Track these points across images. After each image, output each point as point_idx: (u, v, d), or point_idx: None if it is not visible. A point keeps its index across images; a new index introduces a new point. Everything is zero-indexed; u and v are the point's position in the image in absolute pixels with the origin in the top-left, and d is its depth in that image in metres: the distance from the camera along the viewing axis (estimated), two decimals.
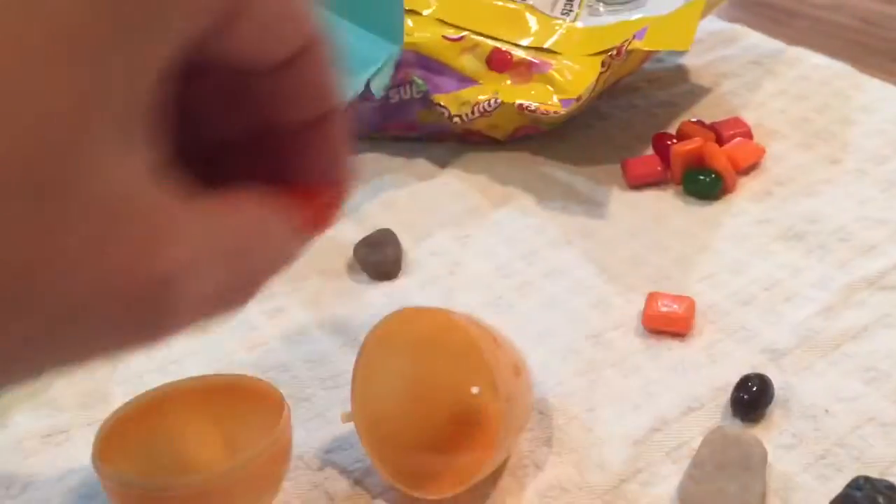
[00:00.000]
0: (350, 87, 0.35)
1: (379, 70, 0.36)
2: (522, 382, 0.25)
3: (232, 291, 0.15)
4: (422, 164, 0.41)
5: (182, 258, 0.13)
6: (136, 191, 0.12)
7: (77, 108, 0.12)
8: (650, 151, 0.40)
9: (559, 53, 0.42)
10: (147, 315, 0.13)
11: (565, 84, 0.40)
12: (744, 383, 0.27)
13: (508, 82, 0.41)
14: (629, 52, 0.36)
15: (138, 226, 0.12)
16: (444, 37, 0.42)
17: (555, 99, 0.40)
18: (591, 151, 0.41)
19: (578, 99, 0.38)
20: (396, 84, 0.41)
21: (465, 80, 0.42)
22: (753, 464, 0.24)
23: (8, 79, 0.11)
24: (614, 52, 0.36)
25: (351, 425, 0.25)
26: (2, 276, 0.11)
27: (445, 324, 0.26)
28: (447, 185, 0.40)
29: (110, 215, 0.12)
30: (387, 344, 0.26)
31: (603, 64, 0.36)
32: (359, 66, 0.36)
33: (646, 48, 0.36)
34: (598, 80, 0.37)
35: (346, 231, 0.37)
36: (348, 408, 0.25)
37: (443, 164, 0.41)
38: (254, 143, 0.17)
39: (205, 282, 0.14)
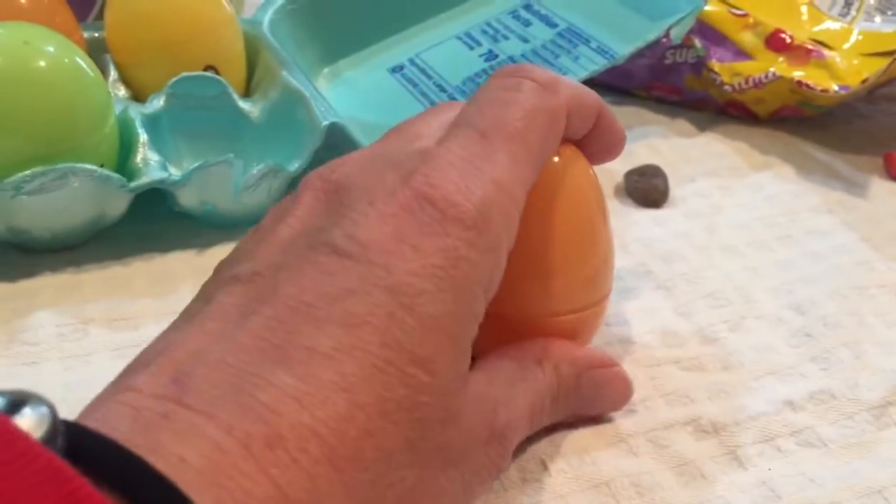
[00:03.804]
0: (651, 32, 0.38)
1: (681, 20, 0.38)
2: None
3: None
4: (683, 124, 0.44)
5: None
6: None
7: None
8: None
9: (833, 48, 0.44)
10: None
11: (842, 72, 0.42)
12: None
13: (781, 60, 0.43)
14: None
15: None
16: (731, 11, 0.44)
17: (832, 83, 0.41)
18: (851, 142, 0.42)
19: (864, 81, 0.39)
20: (675, 46, 0.44)
21: (741, 54, 0.44)
22: None
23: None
24: None
25: None
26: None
27: None
28: (708, 145, 0.42)
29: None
30: None
31: None
32: (663, 14, 0.38)
33: None
34: (888, 68, 0.38)
35: (613, 162, 0.39)
36: None
37: (702, 127, 0.44)
38: None
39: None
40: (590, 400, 0.25)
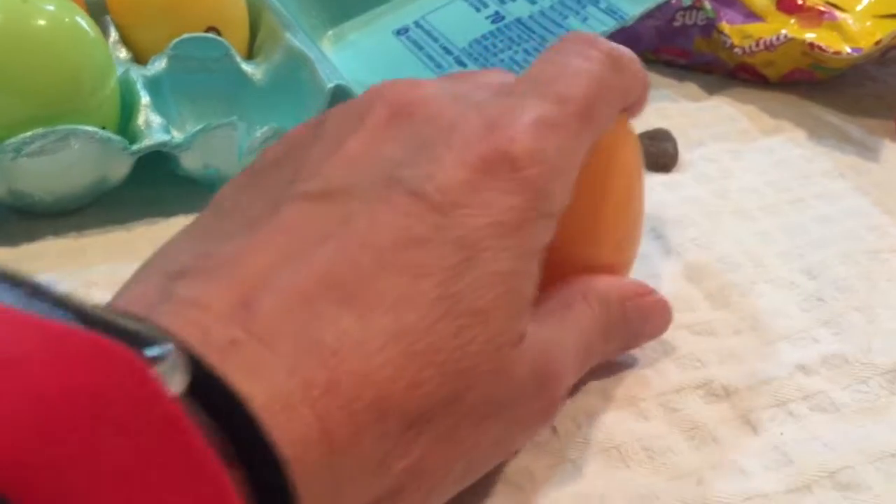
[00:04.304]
0: None
1: None
2: None
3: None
4: (692, 87, 0.43)
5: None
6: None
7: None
8: None
9: (845, 10, 0.43)
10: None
11: (854, 34, 0.41)
12: None
13: (793, 22, 0.42)
14: None
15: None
16: None
17: (844, 45, 0.40)
18: (862, 105, 0.42)
19: (877, 43, 0.39)
20: (685, 7, 0.43)
21: (752, 15, 0.43)
22: None
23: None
24: None
25: None
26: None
27: None
28: (718, 108, 0.41)
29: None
30: None
31: None
32: None
33: None
34: None
35: None
36: None
37: (712, 91, 0.43)
38: None
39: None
40: (635, 331, 0.25)
